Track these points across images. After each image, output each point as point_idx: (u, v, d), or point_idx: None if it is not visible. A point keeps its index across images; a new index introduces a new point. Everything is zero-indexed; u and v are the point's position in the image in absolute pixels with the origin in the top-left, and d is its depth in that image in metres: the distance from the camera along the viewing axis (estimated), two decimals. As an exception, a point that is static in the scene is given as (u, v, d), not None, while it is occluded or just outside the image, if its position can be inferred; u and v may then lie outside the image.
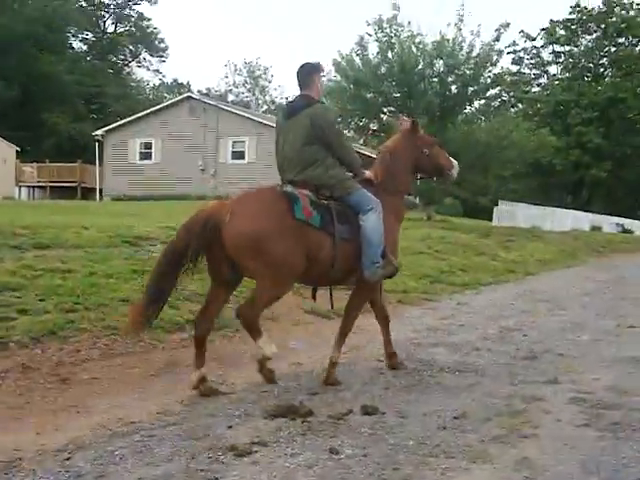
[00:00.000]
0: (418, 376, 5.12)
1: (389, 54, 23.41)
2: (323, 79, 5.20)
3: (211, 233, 4.32)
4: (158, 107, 31.61)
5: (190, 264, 4.35)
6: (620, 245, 21.11)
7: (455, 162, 5.60)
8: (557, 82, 52.58)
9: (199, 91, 54.71)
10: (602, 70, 53.42)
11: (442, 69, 23.10)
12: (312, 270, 4.58)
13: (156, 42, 59.69)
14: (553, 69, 56.04)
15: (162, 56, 60.85)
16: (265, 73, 65.24)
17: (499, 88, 29.92)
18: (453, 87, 23.54)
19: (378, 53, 23.54)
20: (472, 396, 4.60)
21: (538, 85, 56.25)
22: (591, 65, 52.80)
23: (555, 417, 4.16)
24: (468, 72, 23.03)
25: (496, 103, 45.66)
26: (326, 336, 6.32)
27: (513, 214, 30.35)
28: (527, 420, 4.08)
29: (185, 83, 63.84)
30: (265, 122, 28.29)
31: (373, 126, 26.40)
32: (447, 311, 8.27)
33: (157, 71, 75.45)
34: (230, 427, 3.78)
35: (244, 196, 4.60)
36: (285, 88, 77.68)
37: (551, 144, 28.79)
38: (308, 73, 4.98)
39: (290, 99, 5.75)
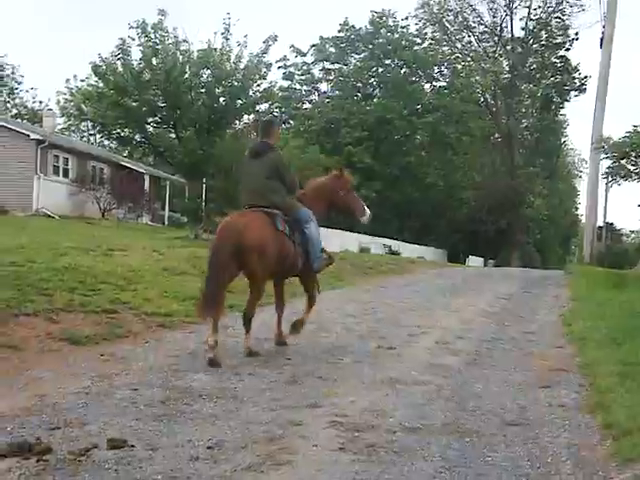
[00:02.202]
0: (173, 404, 5.11)
1: (153, 60, 23.24)
2: (279, 129, 7.94)
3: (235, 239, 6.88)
4: None
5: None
6: (387, 267, 22.59)
7: (368, 211, 8.17)
8: (328, 100, 55.36)
9: None
10: (371, 90, 57.19)
11: (209, 79, 23.37)
12: (279, 266, 7.34)
13: None
14: (324, 86, 58.96)
15: None
16: (14, 73, 61.40)
17: (269, 103, 30.89)
18: (221, 99, 23.90)
19: (142, 59, 23.26)
20: (229, 424, 4.68)
21: (309, 102, 58.82)
22: (360, 84, 56.31)
23: (312, 442, 4.35)
24: (236, 84, 23.51)
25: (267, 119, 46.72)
26: (77, 365, 6.11)
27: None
28: (284, 446, 4.23)
29: None
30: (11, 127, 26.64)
31: (138, 137, 26.00)
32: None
33: None
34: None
35: (249, 215, 7.24)
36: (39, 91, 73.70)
37: (321, 162, 30.21)
38: (270, 125, 7.87)
39: (254, 144, 8.08)
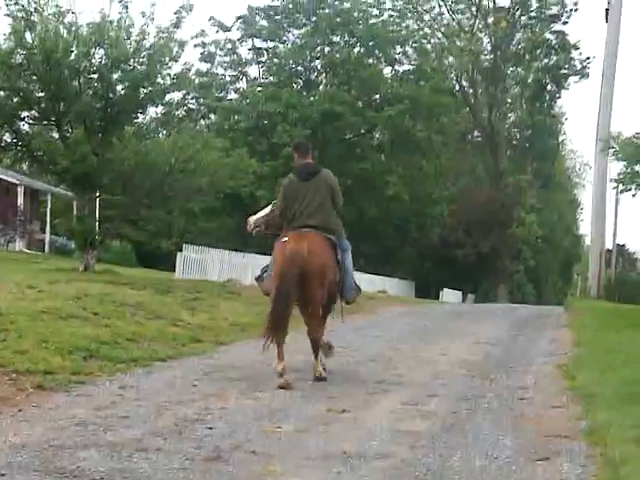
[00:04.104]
0: (56, 495, 5.01)
1: (27, 36, 22.96)
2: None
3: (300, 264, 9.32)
4: None
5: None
6: (339, 304, 22.68)
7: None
8: (259, 88, 55.42)
9: None
10: (315, 75, 57.48)
11: (103, 62, 23.18)
12: (331, 292, 10.05)
13: None
14: (254, 70, 58.97)
15: None
16: None
17: (183, 92, 30.85)
18: (119, 87, 23.71)
19: (11, 34, 22.96)
20: (131, 518, 4.62)
21: (235, 91, 58.82)
22: (301, 68, 56.53)
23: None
24: (139, 68, 23.37)
25: (180, 112, 46.98)
26: None
27: (203, 263, 31.15)
28: None
29: None
30: None
31: (8, 138, 25.63)
32: (105, 398, 8.21)
33: None
34: None
35: (310, 237, 9.71)
36: None
37: (252, 169, 30.13)
38: (309, 147, 11.10)
39: (301, 166, 10.53)
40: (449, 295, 52.67)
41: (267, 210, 11.25)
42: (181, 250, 30.99)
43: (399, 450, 6.40)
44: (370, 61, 56.02)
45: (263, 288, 10.66)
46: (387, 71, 58.63)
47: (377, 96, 55.03)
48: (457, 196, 57.28)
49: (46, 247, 37.93)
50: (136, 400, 8.14)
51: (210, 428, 7.01)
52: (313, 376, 9.76)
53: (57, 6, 23.08)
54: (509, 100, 62.65)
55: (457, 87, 61.73)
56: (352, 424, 7.37)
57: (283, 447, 6.42)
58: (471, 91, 62.28)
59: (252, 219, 11.30)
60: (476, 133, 65.75)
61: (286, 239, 9.78)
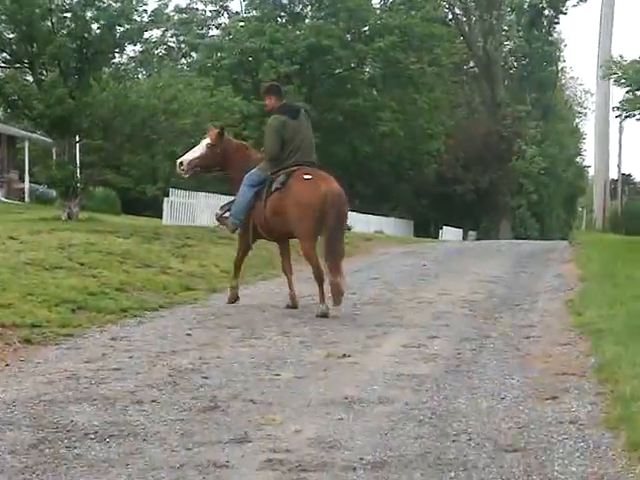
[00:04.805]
0: (50, 449, 5.03)
1: (-7, -30, 22.69)
2: None
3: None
4: None
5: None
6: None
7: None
8: (242, 23, 54.89)
9: None
10: (300, 7, 56.94)
11: (76, -1, 22.95)
12: None
13: None
14: (236, 5, 58.54)
15: None
16: None
17: (162, 29, 30.50)
18: (95, 26, 23.49)
19: (-24, -32, 22.68)
20: (128, 471, 4.65)
21: (217, 27, 58.32)
22: (285, 1, 56.01)
23: (242, 489, 4.37)
24: (114, 4, 23.15)
25: (160, 51, 46.40)
26: None
27: (191, 208, 31.11)
28: (204, 497, 4.23)
29: None
30: None
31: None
32: (96, 350, 8.22)
33: None
34: None
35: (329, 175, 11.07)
36: None
37: (237, 108, 29.96)
38: (279, 88, 12.21)
39: (285, 105, 11.53)
40: (449, 233, 52.79)
41: (200, 149, 11.45)
42: (167, 195, 30.95)
43: (402, 394, 6.43)
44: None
45: (229, 226, 11.43)
46: (376, 1, 58.16)
47: (366, 28, 54.40)
48: (453, 130, 57.09)
49: (26, 196, 37.77)
50: (128, 351, 8.14)
51: (206, 378, 7.02)
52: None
53: None
54: (505, 28, 62.16)
55: (450, 16, 61.23)
56: (353, 369, 7.40)
57: (282, 395, 6.44)
58: (465, 19, 61.78)
59: (186, 159, 11.38)
60: (471, 64, 65.39)
61: (309, 177, 10.76)
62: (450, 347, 8.48)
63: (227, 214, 11.46)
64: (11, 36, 23.42)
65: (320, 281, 10.69)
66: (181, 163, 11.33)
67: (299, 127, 11.09)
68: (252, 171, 11.16)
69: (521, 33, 62.30)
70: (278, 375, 7.14)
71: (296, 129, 11.03)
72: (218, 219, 11.83)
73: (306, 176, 10.77)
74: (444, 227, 53.46)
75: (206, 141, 11.43)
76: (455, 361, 7.77)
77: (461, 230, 55.70)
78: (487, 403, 6.20)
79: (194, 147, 11.71)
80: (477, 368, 7.45)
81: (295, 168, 10.89)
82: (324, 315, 10.39)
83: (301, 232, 10.83)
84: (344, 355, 7.95)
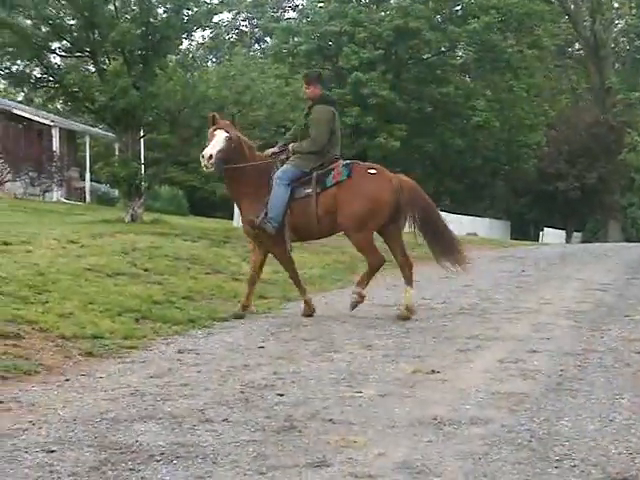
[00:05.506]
0: (113, 471, 5.10)
1: (55, -44, 23.11)
2: None
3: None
4: None
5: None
6: (421, 250, 22.45)
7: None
8: (321, 4, 54.97)
9: None
10: (385, -14, 56.73)
11: (141, -19, 23.23)
12: None
13: None
14: (314, -16, 58.43)
15: None
16: None
17: (234, 12, 30.77)
18: (160, 10, 23.74)
19: (37, -48, 23.12)
20: (197, 496, 4.70)
21: (294, 9, 58.49)
22: (369, -22, 55.88)
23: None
24: (181, -15, 23.41)
25: (231, 36, 46.73)
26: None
27: (265, 209, 31.28)
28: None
29: None
30: None
31: (38, 73, 25.83)
32: (162, 364, 8.31)
33: None
34: None
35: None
36: None
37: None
38: (324, 77, 12.99)
39: (326, 95, 12.24)
40: (550, 235, 52.21)
41: (220, 141, 11.25)
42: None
43: (498, 414, 6.38)
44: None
45: (270, 231, 11.28)
46: (470, -23, 57.58)
47: (459, 8, 54.15)
48: (556, 120, 56.43)
49: (87, 196, 38.30)
50: (196, 365, 8.21)
51: (281, 395, 7.04)
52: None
53: None
54: (615, 5, 61.20)
55: (553, -8, 60.44)
56: (442, 386, 7.36)
57: (364, 414, 6.43)
58: (570, -4, 60.99)
59: (213, 153, 11.16)
60: (577, 46, 64.52)
61: (374, 171, 11.49)
62: (552, 362, 8.38)
63: (261, 218, 11.30)
64: (72, 23, 23.74)
65: (376, 269, 11.61)
66: (210, 156, 11.15)
67: (338, 120, 11.72)
68: (285, 168, 11.38)
69: (634, 11, 61.21)
70: (360, 392, 7.13)
71: (337, 122, 11.66)
72: (258, 226, 11.36)
73: (371, 170, 11.49)
74: (545, 229, 52.90)
75: (224, 134, 11.31)
76: (557, 378, 7.67)
77: (564, 232, 55.03)
78: (594, 425, 6.12)
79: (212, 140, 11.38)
80: (582, 386, 7.36)
81: (349, 162, 11.56)
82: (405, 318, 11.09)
83: (367, 226, 11.33)
84: (432, 371, 7.91)
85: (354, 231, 11.42)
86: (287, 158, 11.52)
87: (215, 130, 11.36)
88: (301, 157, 11.39)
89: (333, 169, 11.27)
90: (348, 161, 11.62)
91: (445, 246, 11.77)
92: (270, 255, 11.82)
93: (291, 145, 11.61)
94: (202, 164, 11.30)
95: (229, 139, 11.26)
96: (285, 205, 11.25)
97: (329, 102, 11.90)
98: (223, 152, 11.17)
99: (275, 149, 11.91)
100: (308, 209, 11.23)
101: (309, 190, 11.23)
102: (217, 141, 11.22)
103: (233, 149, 11.32)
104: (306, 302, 11.63)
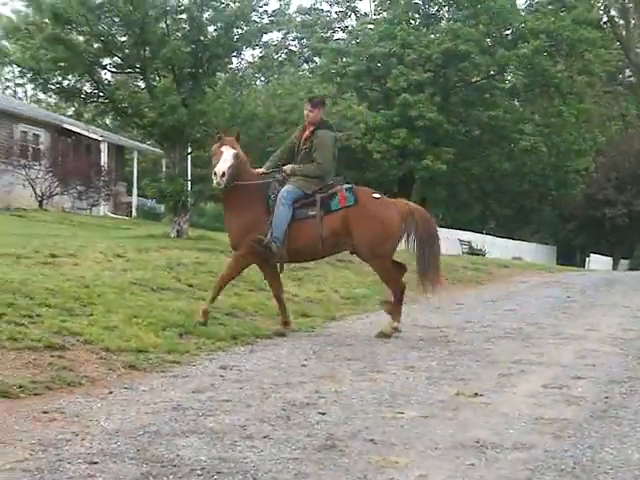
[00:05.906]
0: (153, 486, 5.14)
1: (108, -29, 23.34)
2: None
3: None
4: None
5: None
6: (465, 273, 22.50)
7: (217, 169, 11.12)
8: (371, 25, 55.13)
9: None
10: (436, 9, 56.78)
11: (193, 0, 23.40)
12: None
13: None
14: (365, 5, 58.81)
15: None
16: None
17: (283, 32, 30.92)
18: (211, 29, 23.90)
19: (90, -31, 23.37)
20: (236, 512, 4.70)
21: (343, 30, 58.63)
22: (419, 1, 55.91)
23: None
24: (233, 5, 23.51)
25: (280, 55, 46.97)
26: (8, 428, 6.15)
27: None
28: None
29: None
30: None
31: (88, 88, 26.09)
32: (204, 380, 8.34)
33: None
34: None
35: None
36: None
37: (363, 119, 30.07)
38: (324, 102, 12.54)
39: (326, 120, 12.32)
40: (597, 262, 51.86)
41: (229, 158, 11.30)
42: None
43: (541, 440, 6.32)
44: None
45: (274, 249, 11.31)
46: (521, 1, 57.51)
47: (509, 31, 53.98)
48: (605, 146, 56.09)
49: (133, 211, 38.62)
50: (238, 382, 8.23)
51: (322, 414, 7.04)
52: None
53: None
54: (668, 31, 60.83)
55: (605, 18, 60.22)
56: (485, 410, 7.32)
57: (406, 435, 6.40)
58: (622, 22, 60.70)
59: (220, 170, 11.19)
60: (627, 72, 64.18)
61: (378, 195, 11.79)
62: (597, 389, 8.32)
63: (269, 237, 11.34)
64: (123, 39, 23.96)
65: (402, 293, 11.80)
66: (223, 174, 11.17)
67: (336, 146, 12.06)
68: (288, 188, 11.42)
69: (685, 38, 60.91)
70: (402, 413, 7.11)
71: (336, 148, 12.01)
72: (265, 245, 11.34)
73: (375, 194, 11.77)
74: (591, 255, 52.54)
75: (232, 151, 11.40)
76: (602, 405, 7.61)
77: (611, 259, 54.70)
78: (639, 454, 6.06)
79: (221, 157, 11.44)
80: (627, 414, 7.29)
81: (350, 186, 11.71)
82: (385, 335, 11.39)
83: (383, 251, 11.60)
84: (475, 394, 7.87)
85: (376, 257, 11.67)
86: (284, 178, 11.56)
87: (221, 147, 11.46)
88: (305, 179, 11.46)
89: (336, 193, 11.42)
90: (347, 185, 11.75)
91: (433, 267, 12.09)
92: (293, 267, 13.03)
93: (289, 167, 11.64)
94: (214, 182, 11.31)
95: (236, 156, 11.37)
96: (286, 225, 11.34)
97: (330, 127, 12.10)
98: (233, 168, 11.27)
99: (263, 169, 11.92)
100: (311, 230, 11.31)
101: (313, 212, 11.32)
102: (226, 158, 11.30)
103: (239, 166, 11.41)
104: (203, 312, 11.15)
